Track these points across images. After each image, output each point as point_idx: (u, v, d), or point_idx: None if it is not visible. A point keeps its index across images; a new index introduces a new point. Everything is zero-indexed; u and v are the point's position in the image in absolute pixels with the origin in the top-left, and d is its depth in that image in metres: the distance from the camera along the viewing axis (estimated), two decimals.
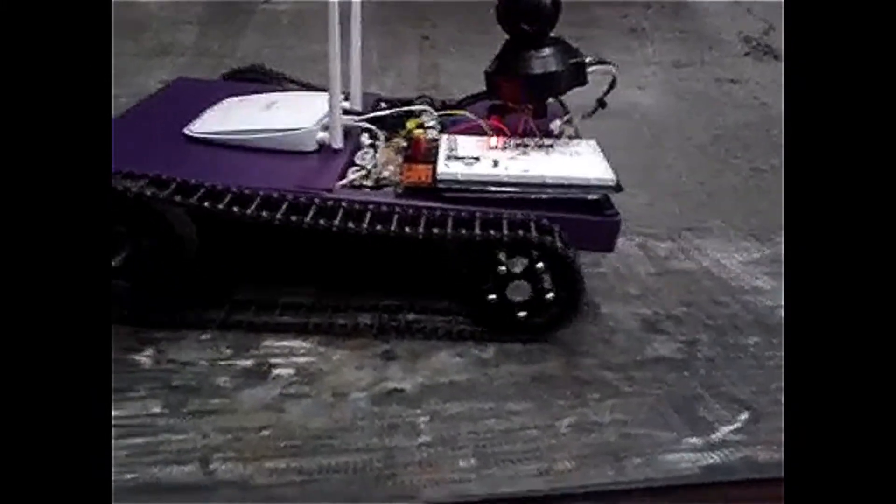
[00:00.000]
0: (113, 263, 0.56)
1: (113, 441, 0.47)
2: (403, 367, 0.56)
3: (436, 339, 0.59)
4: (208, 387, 0.52)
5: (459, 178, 0.56)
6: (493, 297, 0.57)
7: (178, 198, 0.54)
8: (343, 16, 0.60)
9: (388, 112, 0.70)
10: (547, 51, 0.62)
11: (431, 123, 0.68)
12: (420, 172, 0.59)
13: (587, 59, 0.63)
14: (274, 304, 0.61)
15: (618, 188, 0.57)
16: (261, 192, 0.55)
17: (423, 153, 0.62)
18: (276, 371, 0.54)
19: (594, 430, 0.50)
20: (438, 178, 0.57)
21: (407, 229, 0.54)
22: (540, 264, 0.56)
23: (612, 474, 0.46)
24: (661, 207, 0.87)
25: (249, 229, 0.55)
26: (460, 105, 0.71)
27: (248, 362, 0.55)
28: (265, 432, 0.48)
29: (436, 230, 0.54)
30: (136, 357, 0.55)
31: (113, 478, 0.44)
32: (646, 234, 0.80)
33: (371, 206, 0.56)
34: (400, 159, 0.63)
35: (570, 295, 0.57)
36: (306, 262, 0.66)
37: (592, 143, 0.64)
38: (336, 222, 0.54)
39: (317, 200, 0.55)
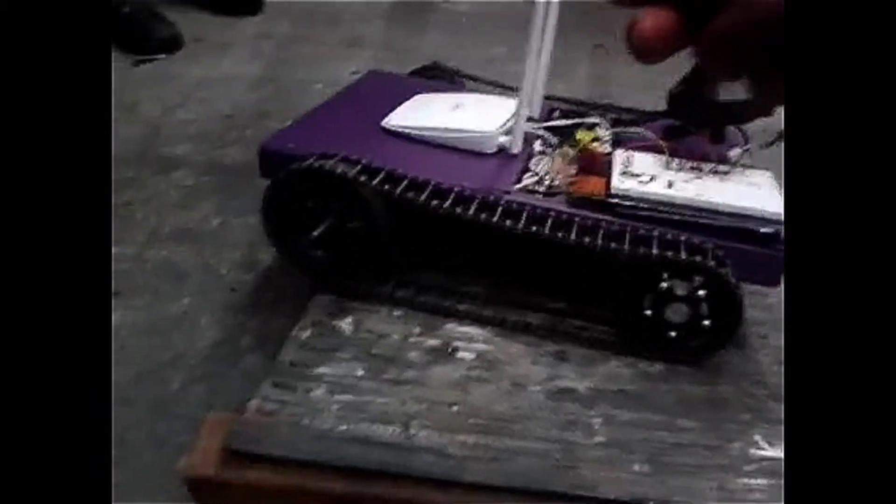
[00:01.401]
0: (315, 233, 0.62)
1: (326, 395, 0.54)
2: (575, 368, 0.59)
3: (603, 349, 0.62)
4: (402, 359, 0.58)
5: (633, 194, 0.58)
6: (648, 312, 0.58)
7: (386, 186, 0.60)
8: (525, 18, 0.63)
9: (566, 123, 0.73)
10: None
11: (605, 136, 0.71)
12: (593, 184, 0.61)
13: None
14: (454, 292, 0.66)
15: None
16: (455, 189, 0.60)
17: (596, 166, 0.64)
18: (460, 354, 0.60)
19: (765, 459, 0.51)
20: (612, 192, 0.58)
21: (586, 239, 0.57)
22: (702, 291, 0.56)
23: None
24: None
25: (437, 220, 0.60)
26: (636, 121, 0.73)
27: (435, 342, 0.61)
28: (455, 408, 0.54)
29: (613, 244, 0.57)
30: (338, 323, 0.63)
31: (329, 427, 0.51)
32: None
33: (546, 212, 0.59)
34: (570, 168, 0.66)
35: (727, 325, 0.57)
36: (479, 256, 0.71)
37: (768, 174, 0.63)
38: (520, 225, 0.58)
39: (502, 202, 0.60)
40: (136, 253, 0.82)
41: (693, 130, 0.65)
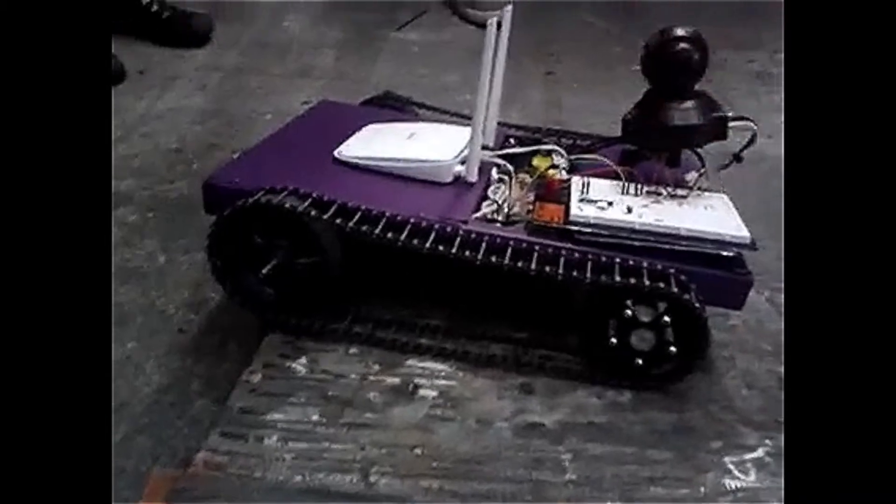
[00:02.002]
0: (263, 271, 0.60)
1: (279, 443, 0.50)
2: (542, 401, 0.57)
3: (569, 379, 0.60)
4: (361, 400, 0.56)
5: (592, 221, 0.57)
6: (614, 340, 0.57)
7: (338, 220, 0.58)
8: (476, 47, 0.62)
9: (523, 150, 0.72)
10: (689, 103, 0.62)
11: (561, 163, 0.70)
12: (552, 212, 0.61)
13: (729, 114, 0.63)
14: (413, 325, 0.64)
15: (752, 247, 0.56)
16: (411, 221, 0.58)
17: (554, 193, 0.63)
18: (422, 392, 0.57)
19: (741, 490, 0.50)
20: (571, 219, 0.58)
21: (548, 268, 0.56)
22: (666, 317, 0.55)
23: None
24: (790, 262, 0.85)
25: (393, 253, 0.58)
26: (592, 147, 0.72)
27: (395, 380, 0.58)
28: (417, 451, 0.51)
29: (575, 273, 0.56)
30: (292, 364, 0.59)
31: (283, 479, 0.47)
32: (775, 289, 0.79)
33: (506, 241, 0.58)
34: (528, 196, 0.65)
35: (693, 351, 0.57)
36: (438, 288, 0.69)
37: (724, 197, 0.63)
38: (480, 255, 0.57)
39: (461, 232, 0.58)
40: None
41: (648, 155, 0.65)
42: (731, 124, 0.63)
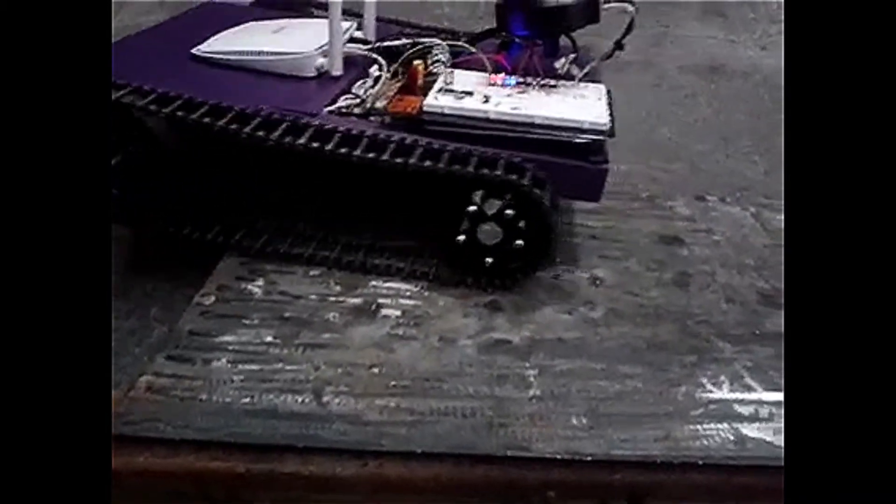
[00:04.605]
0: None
1: (228, 365, 0.48)
2: (510, 319, 0.54)
3: (541, 295, 0.57)
4: (319, 321, 0.53)
5: (446, 111, 0.54)
6: (461, 238, 0.55)
7: (180, 113, 0.53)
8: None
9: (394, 43, 0.68)
10: None
11: (441, 57, 0.66)
12: (409, 103, 0.57)
13: None
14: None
15: (610, 133, 0.54)
16: (259, 113, 0.54)
17: (419, 86, 0.60)
18: (384, 311, 0.54)
19: (713, 402, 0.47)
20: (424, 109, 0.55)
21: (369, 155, 0.53)
22: (509, 209, 0.53)
23: (733, 448, 0.44)
24: (778, 177, 0.82)
25: (241, 147, 0.54)
26: (472, 40, 0.68)
27: (357, 300, 0.55)
28: (375, 370, 0.48)
29: (398, 160, 0.53)
30: (248, 286, 0.56)
31: (230, 401, 0.45)
32: (761, 205, 0.75)
33: (354, 133, 0.54)
34: (394, 89, 0.61)
35: (542, 242, 0.54)
36: (290, 187, 0.65)
37: (601, 87, 0.60)
38: (327, 147, 0.53)
39: (307, 123, 0.54)
40: None
41: (522, 43, 0.61)
42: (605, 6, 0.58)
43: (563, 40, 0.61)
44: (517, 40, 0.61)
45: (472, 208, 0.54)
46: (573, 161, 0.54)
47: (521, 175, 0.52)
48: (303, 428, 0.43)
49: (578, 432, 0.44)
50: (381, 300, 0.55)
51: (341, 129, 0.54)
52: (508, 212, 0.53)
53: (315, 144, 0.53)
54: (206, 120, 0.53)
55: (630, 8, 0.59)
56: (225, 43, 0.65)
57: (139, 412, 0.43)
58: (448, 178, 0.53)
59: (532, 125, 0.54)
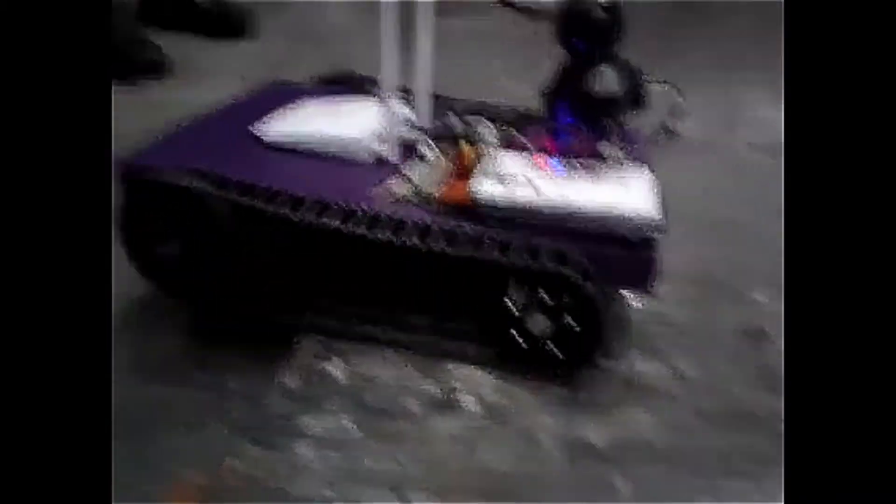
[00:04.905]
0: (161, 248, 0.59)
1: (311, 452, 0.47)
2: (592, 417, 0.53)
3: (623, 392, 0.55)
4: (397, 409, 0.52)
5: (496, 200, 0.55)
6: (513, 331, 0.55)
7: (233, 196, 0.56)
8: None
9: (444, 126, 0.68)
10: (604, 70, 0.59)
11: (491, 139, 0.66)
12: (459, 190, 0.57)
13: (649, 81, 0.60)
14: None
15: (660, 224, 0.53)
16: (291, 193, 0.55)
17: (468, 168, 0.60)
18: (462, 402, 0.53)
19: None
20: (472, 195, 0.55)
21: (445, 247, 0.53)
22: (547, 296, 0.53)
23: None
24: None
25: (290, 229, 0.55)
26: (519, 122, 0.68)
27: (434, 388, 0.55)
28: (457, 467, 0.47)
29: (433, 245, 0.53)
30: (327, 367, 0.56)
31: (312, 491, 0.44)
32: None
33: (400, 219, 0.55)
34: (446, 174, 0.62)
35: (592, 330, 0.53)
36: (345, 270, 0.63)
37: (646, 172, 0.59)
38: (379, 234, 0.53)
39: (355, 208, 0.55)
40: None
41: (570, 129, 0.61)
42: (651, 91, 0.59)
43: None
44: (564, 125, 0.62)
45: (516, 299, 0.54)
46: (624, 252, 0.54)
47: (569, 266, 0.52)
48: None
49: None
50: (457, 388, 0.55)
51: (394, 216, 0.55)
52: (551, 302, 0.53)
53: (367, 232, 0.54)
54: (262, 205, 0.55)
55: (677, 95, 0.60)
56: (284, 125, 0.66)
57: (224, 498, 0.43)
58: (496, 267, 0.53)
59: (581, 214, 0.54)
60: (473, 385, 0.55)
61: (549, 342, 0.54)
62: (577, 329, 0.53)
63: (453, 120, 0.70)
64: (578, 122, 0.60)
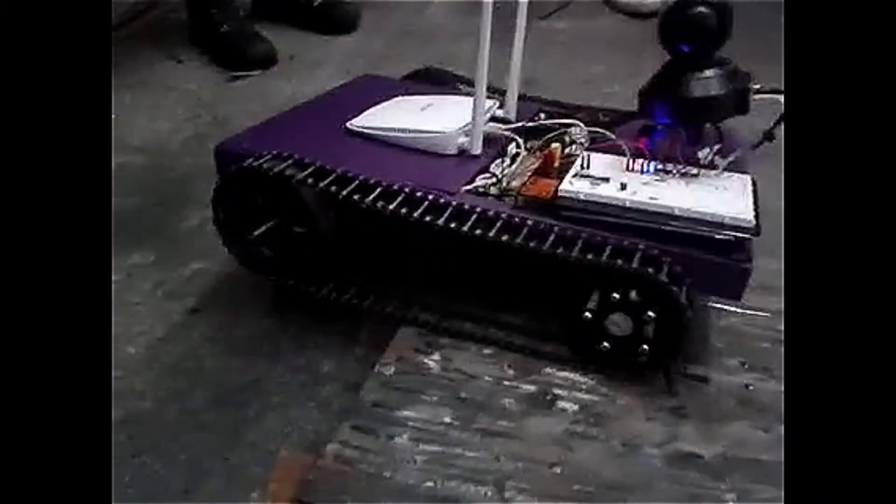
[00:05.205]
0: (256, 232, 0.61)
1: (410, 444, 0.48)
2: (697, 429, 0.51)
3: (731, 405, 0.53)
4: (495, 405, 0.52)
5: (581, 196, 0.53)
6: (587, 315, 0.53)
7: (325, 186, 0.57)
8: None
9: (534, 124, 0.68)
10: (708, 73, 0.56)
11: (579, 139, 0.65)
12: (543, 187, 0.57)
13: (755, 86, 0.56)
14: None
15: (755, 231, 0.50)
16: (396, 189, 0.56)
17: (555, 168, 0.60)
18: (560, 403, 0.53)
19: None
20: (560, 193, 0.54)
21: (529, 243, 0.52)
22: (641, 301, 0.51)
23: None
24: None
25: (379, 220, 0.56)
26: (613, 123, 0.67)
27: (532, 388, 0.54)
28: (556, 469, 0.46)
29: (530, 243, 0.52)
30: (425, 360, 0.57)
31: (413, 483, 0.45)
32: None
33: (489, 214, 0.54)
34: (530, 170, 0.61)
35: (672, 335, 0.51)
36: (432, 261, 0.64)
37: (747, 179, 0.56)
38: (464, 228, 0.53)
39: (443, 202, 0.55)
40: (219, 269, 0.80)
41: (665, 130, 0.58)
42: (756, 97, 0.56)
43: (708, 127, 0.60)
44: (659, 127, 0.59)
45: (594, 300, 0.53)
46: (713, 257, 0.51)
47: (655, 268, 0.50)
48: None
49: None
50: (556, 391, 0.54)
51: (477, 209, 0.55)
52: (634, 298, 0.51)
53: (451, 224, 0.54)
54: (353, 195, 0.56)
55: (776, 96, 0.56)
56: (375, 118, 0.68)
57: (328, 483, 0.44)
58: (577, 266, 0.52)
59: (670, 216, 0.52)
60: (572, 387, 0.54)
61: (630, 345, 0.53)
62: (659, 333, 0.52)
63: (546, 120, 0.70)
64: (675, 124, 0.58)
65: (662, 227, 0.52)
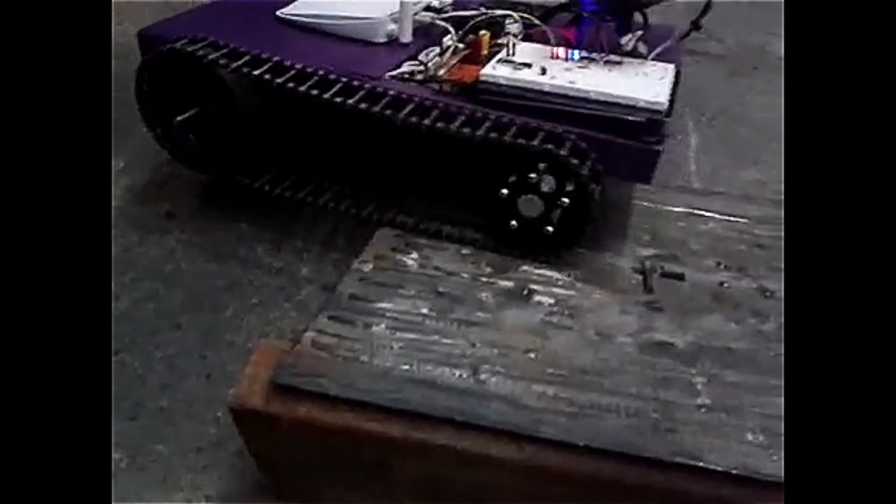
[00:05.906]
0: (178, 119, 0.61)
1: (388, 332, 0.48)
2: (672, 321, 0.51)
3: (706, 301, 0.54)
4: (472, 299, 0.52)
5: (500, 81, 0.54)
6: (503, 192, 0.54)
7: (245, 69, 0.57)
8: None
9: (466, 13, 0.67)
10: None
11: (511, 29, 0.66)
12: (467, 72, 0.58)
13: None
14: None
15: (667, 114, 0.51)
16: (319, 73, 0.56)
17: (483, 56, 0.61)
18: (536, 297, 0.53)
19: None
20: (481, 78, 0.55)
21: (440, 125, 0.53)
22: (550, 181, 0.53)
23: None
24: None
25: (301, 104, 0.56)
26: (544, 14, 0.67)
27: (509, 284, 0.54)
28: (531, 355, 0.47)
29: (438, 124, 0.53)
30: (404, 258, 0.57)
31: (390, 366, 0.45)
32: None
33: (409, 98, 0.55)
34: (457, 58, 0.63)
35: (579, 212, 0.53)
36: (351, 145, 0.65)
37: (670, 66, 0.57)
38: (376, 109, 0.54)
39: (366, 87, 0.56)
40: (191, 174, 0.78)
41: (593, 20, 0.59)
42: None
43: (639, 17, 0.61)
44: (588, 16, 0.60)
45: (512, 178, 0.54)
46: (624, 139, 0.52)
47: (556, 144, 0.51)
48: (460, 402, 0.42)
49: (755, 449, 0.40)
50: (533, 286, 0.54)
51: (391, 92, 0.55)
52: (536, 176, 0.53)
53: (362, 105, 0.54)
54: (268, 76, 0.56)
55: None
56: (306, 7, 0.68)
57: (305, 366, 0.44)
58: (485, 146, 0.52)
59: (586, 100, 0.52)
60: (549, 283, 0.55)
61: (540, 223, 0.55)
62: (568, 209, 0.53)
63: (477, 9, 0.69)
64: (603, 12, 0.59)
65: (578, 111, 0.53)
